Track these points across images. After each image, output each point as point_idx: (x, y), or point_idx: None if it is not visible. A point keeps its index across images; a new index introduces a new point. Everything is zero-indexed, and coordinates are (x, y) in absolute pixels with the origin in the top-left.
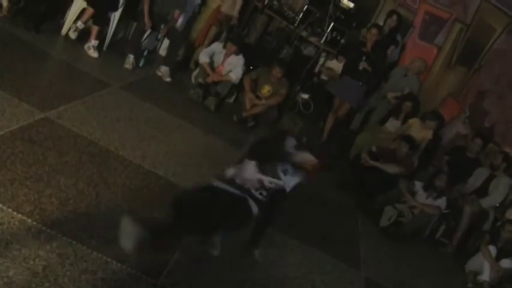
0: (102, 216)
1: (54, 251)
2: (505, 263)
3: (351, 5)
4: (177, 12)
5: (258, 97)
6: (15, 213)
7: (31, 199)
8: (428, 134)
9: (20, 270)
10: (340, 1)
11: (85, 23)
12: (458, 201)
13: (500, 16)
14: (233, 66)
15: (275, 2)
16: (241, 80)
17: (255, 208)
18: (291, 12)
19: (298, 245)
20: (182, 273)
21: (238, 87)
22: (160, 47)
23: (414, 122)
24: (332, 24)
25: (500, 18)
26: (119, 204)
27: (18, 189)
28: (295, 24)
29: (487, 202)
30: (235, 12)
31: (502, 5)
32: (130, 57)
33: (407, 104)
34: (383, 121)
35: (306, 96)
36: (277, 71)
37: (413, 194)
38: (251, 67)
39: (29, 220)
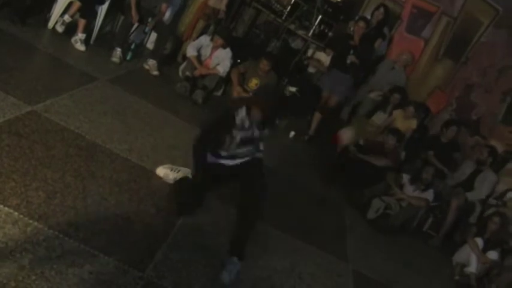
0: (89, 210)
1: (41, 244)
2: (492, 254)
3: None
4: (164, 5)
5: (245, 90)
6: (1, 206)
7: (18, 192)
8: (413, 124)
9: (6, 263)
10: None
11: (72, 16)
12: (445, 193)
13: (487, 9)
14: (221, 60)
15: None
16: (229, 73)
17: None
18: (278, 6)
19: (286, 238)
20: (168, 267)
21: (225, 80)
22: (147, 40)
23: (399, 113)
24: (320, 17)
25: (487, 12)
26: (105, 197)
27: (5, 183)
28: (283, 18)
29: (473, 195)
30: (222, 6)
31: None
32: (118, 51)
33: (396, 96)
34: (370, 114)
35: (293, 89)
36: (264, 64)
37: (400, 186)
38: (239, 60)
39: (16, 213)
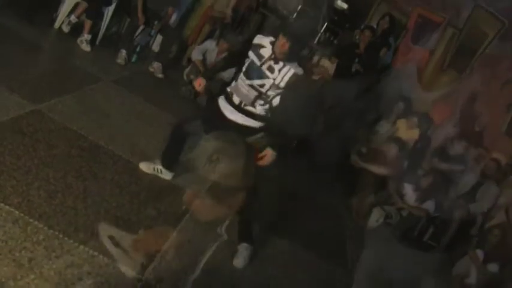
0: (90, 210)
1: (40, 243)
2: (492, 267)
3: (345, 6)
4: (170, 8)
5: None
6: (2, 204)
7: (19, 191)
8: (415, 134)
9: (5, 261)
10: (334, 2)
11: (78, 17)
12: (446, 204)
13: (493, 21)
14: None
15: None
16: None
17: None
18: (285, 12)
19: (286, 245)
20: (167, 270)
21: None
22: (153, 42)
23: (402, 122)
24: (325, 24)
25: (492, 24)
26: (106, 199)
27: (6, 181)
28: None
29: (474, 208)
30: (228, 10)
31: (494, 11)
32: (123, 52)
33: (400, 106)
34: (373, 123)
35: None
36: None
37: (401, 196)
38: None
39: (16, 212)
